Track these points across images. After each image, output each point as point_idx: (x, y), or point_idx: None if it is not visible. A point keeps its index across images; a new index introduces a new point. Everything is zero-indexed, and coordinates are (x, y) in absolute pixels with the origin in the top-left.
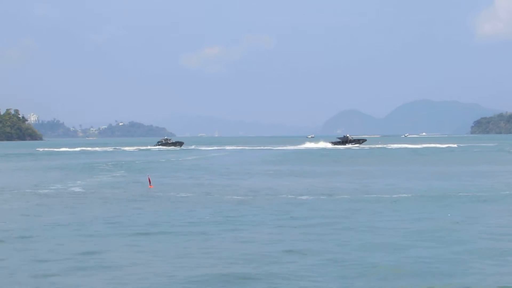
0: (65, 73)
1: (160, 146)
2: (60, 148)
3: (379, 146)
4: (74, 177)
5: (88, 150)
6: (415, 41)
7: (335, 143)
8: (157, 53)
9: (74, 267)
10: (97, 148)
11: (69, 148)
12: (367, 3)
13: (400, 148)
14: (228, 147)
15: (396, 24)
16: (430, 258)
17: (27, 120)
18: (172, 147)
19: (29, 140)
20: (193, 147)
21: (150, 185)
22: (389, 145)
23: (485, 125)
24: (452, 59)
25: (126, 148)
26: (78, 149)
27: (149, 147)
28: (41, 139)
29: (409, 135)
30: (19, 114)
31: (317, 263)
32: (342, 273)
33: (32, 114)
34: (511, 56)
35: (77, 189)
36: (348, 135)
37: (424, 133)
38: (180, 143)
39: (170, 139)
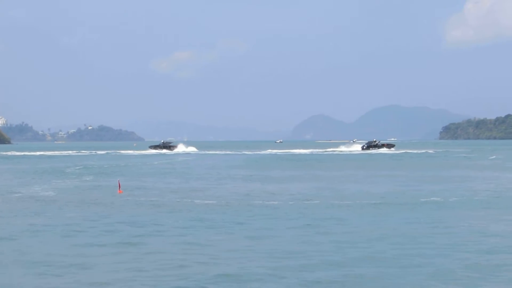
0: (34, 76)
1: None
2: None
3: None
4: (42, 181)
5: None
6: (386, 47)
7: (363, 148)
8: (128, 56)
9: (40, 272)
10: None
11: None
12: (337, 10)
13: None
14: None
15: (366, 30)
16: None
17: None
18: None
19: None
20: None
21: (119, 189)
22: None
23: (453, 131)
24: (422, 65)
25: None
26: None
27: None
28: (9, 142)
29: (357, 140)
30: None
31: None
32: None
33: (0, 117)
34: (479, 62)
35: (45, 193)
36: (375, 140)
37: (393, 138)
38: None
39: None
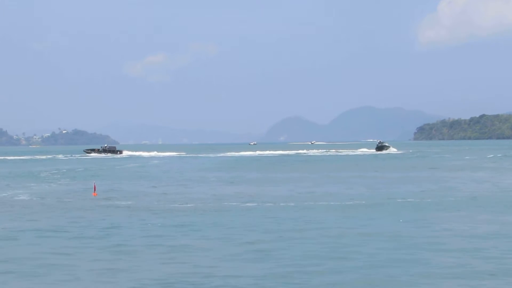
0: (8, 81)
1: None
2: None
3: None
4: (17, 186)
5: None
6: (359, 49)
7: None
8: (100, 61)
9: (14, 276)
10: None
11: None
12: (311, 13)
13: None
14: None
15: (340, 32)
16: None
17: None
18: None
19: None
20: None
21: (94, 192)
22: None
23: (428, 131)
24: (395, 66)
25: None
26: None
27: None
28: None
29: (315, 142)
30: None
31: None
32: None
33: None
34: (453, 62)
35: (20, 198)
36: (380, 140)
37: (370, 140)
38: (120, 151)
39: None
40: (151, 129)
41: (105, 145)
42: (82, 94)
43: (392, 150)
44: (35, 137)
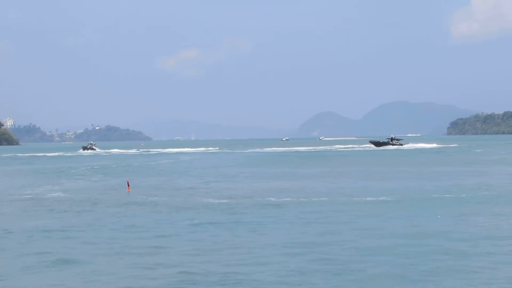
0: (41, 78)
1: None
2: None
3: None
4: (52, 182)
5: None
6: (392, 43)
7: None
8: (133, 56)
9: (48, 271)
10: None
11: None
12: (343, 7)
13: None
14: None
15: (372, 26)
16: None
17: (3, 125)
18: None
19: (6, 145)
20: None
21: (128, 188)
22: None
23: (461, 126)
24: (428, 60)
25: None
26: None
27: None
28: (17, 144)
29: (324, 138)
30: None
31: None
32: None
33: (8, 118)
34: (486, 56)
35: (55, 194)
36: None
37: (409, 134)
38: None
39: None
40: (184, 124)
41: (90, 142)
42: (115, 90)
43: (422, 145)
44: (68, 133)
